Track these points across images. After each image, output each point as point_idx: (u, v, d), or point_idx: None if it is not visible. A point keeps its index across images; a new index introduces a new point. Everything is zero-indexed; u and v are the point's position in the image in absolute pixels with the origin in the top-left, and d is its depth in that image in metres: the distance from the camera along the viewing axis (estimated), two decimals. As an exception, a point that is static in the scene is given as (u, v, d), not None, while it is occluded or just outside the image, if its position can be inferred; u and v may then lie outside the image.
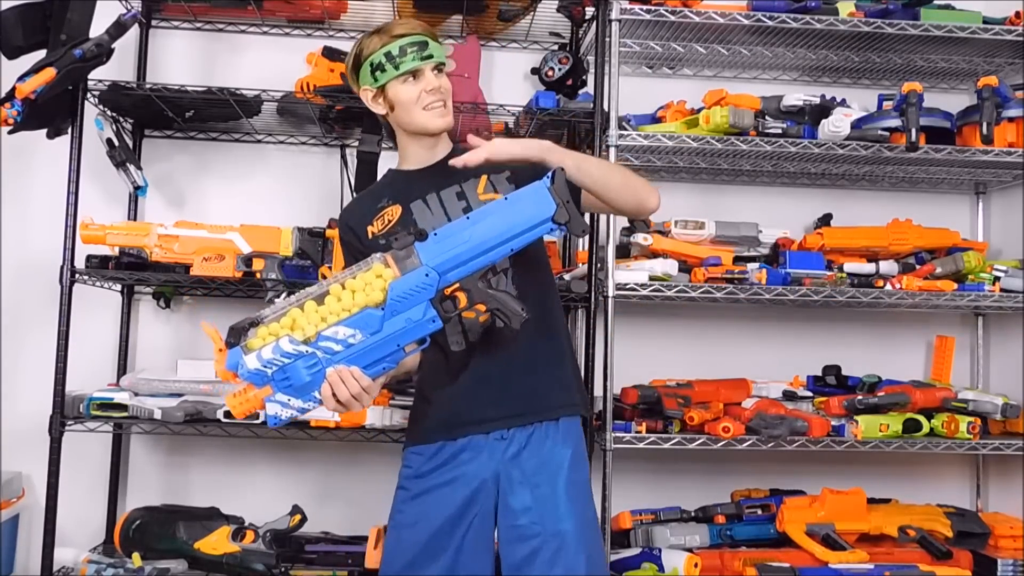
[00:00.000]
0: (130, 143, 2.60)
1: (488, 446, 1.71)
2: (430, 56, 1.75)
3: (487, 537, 1.72)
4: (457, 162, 1.64)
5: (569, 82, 2.60)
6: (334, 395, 1.51)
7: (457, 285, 1.56)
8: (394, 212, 1.78)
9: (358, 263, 1.57)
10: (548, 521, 1.67)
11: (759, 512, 2.50)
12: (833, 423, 2.40)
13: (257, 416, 2.26)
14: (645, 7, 2.40)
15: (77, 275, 2.28)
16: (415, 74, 1.75)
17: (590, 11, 2.52)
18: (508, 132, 2.60)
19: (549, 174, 1.56)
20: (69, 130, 2.30)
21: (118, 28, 2.21)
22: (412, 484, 1.75)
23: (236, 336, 1.53)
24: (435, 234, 1.55)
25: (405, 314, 1.53)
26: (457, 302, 1.57)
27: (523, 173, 1.73)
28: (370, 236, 1.79)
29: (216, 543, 2.29)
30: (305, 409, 1.54)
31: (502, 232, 1.55)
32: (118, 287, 2.65)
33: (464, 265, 1.55)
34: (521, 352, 1.71)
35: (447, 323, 1.55)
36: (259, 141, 2.78)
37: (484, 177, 1.77)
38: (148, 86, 2.47)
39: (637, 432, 2.34)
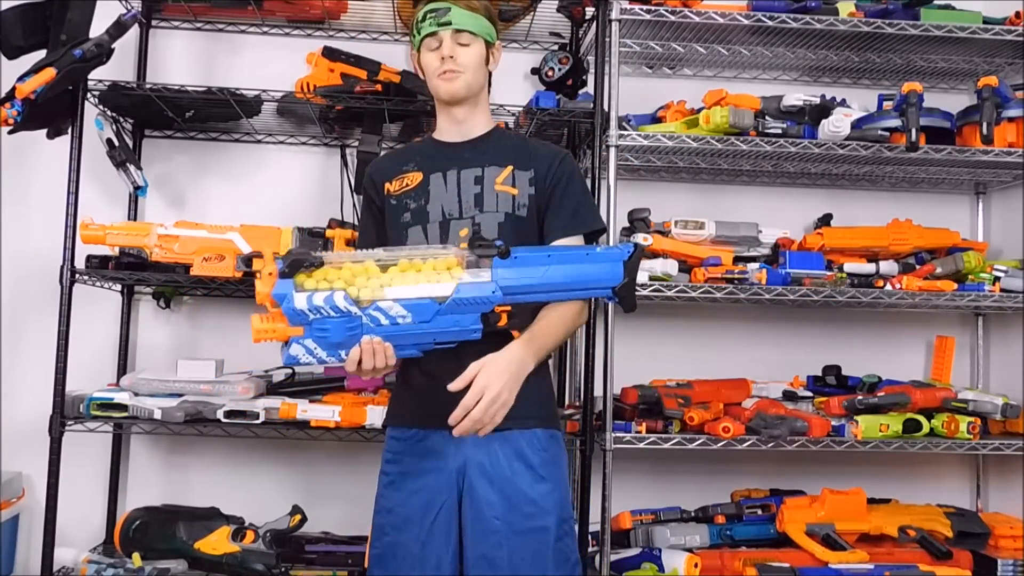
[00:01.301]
0: (130, 143, 2.60)
1: (456, 439, 1.69)
2: (448, 23, 1.74)
3: (452, 529, 1.71)
4: (457, 415, 1.57)
5: (569, 82, 2.60)
6: (360, 361, 1.53)
7: (509, 307, 1.61)
8: (414, 178, 1.80)
9: (434, 247, 1.62)
10: (513, 519, 1.66)
11: (759, 512, 2.50)
12: (833, 423, 2.40)
13: (257, 416, 2.27)
14: (645, 7, 2.40)
15: (77, 275, 2.28)
16: (436, 40, 1.76)
17: (590, 11, 2.52)
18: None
19: (631, 246, 1.62)
20: (69, 130, 2.30)
21: (118, 28, 2.21)
22: (390, 469, 1.77)
23: (293, 268, 1.52)
24: (515, 257, 1.58)
25: (458, 316, 1.56)
26: (499, 319, 1.61)
27: (542, 173, 1.76)
28: (386, 192, 1.82)
29: (216, 543, 2.29)
30: (325, 362, 1.55)
31: (570, 281, 1.60)
32: (118, 287, 2.65)
33: (525, 295, 1.59)
34: None
35: (482, 336, 1.58)
36: (259, 141, 2.78)
37: (510, 168, 1.77)
38: (148, 86, 2.47)
39: (637, 432, 2.33)
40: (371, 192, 1.86)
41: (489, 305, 1.56)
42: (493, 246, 1.57)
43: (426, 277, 1.56)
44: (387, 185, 1.82)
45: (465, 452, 1.70)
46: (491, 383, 1.54)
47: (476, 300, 1.55)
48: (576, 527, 1.80)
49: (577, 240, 1.78)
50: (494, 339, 1.63)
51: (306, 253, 1.55)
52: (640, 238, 2.47)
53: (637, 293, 2.31)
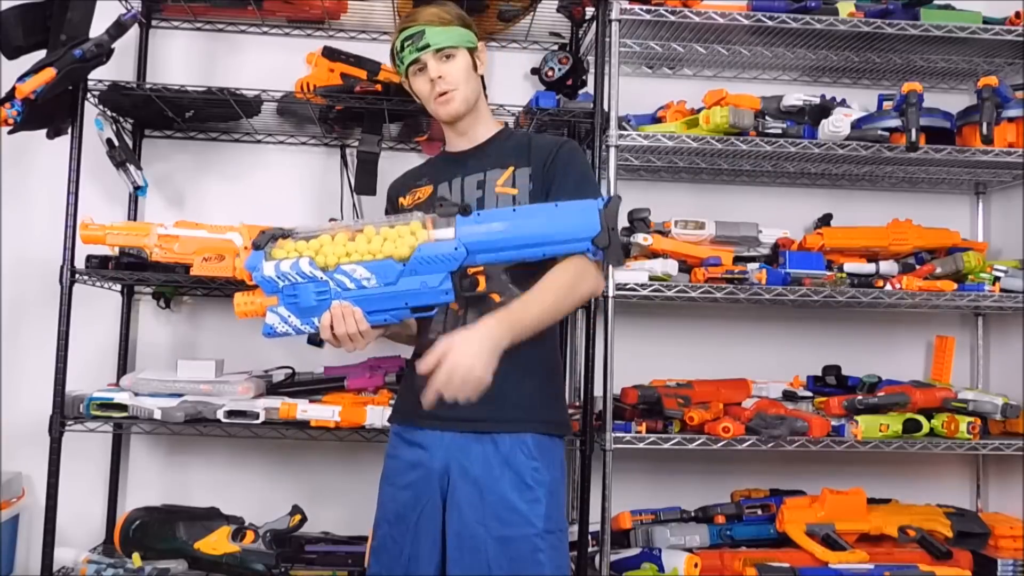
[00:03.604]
0: (130, 143, 2.60)
1: (445, 439, 1.70)
2: (426, 46, 1.75)
3: (436, 528, 1.70)
4: (429, 395, 1.53)
5: (569, 82, 2.60)
6: (332, 327, 1.57)
7: (482, 268, 1.59)
8: (425, 192, 1.83)
9: (399, 215, 1.62)
10: (494, 525, 1.65)
11: (759, 512, 2.50)
12: (833, 423, 2.40)
13: (257, 416, 2.27)
14: (645, 7, 2.40)
15: (77, 275, 2.28)
16: (421, 65, 1.77)
17: (590, 11, 2.52)
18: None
19: (604, 197, 1.57)
20: (69, 130, 2.29)
21: (118, 28, 2.21)
22: (387, 463, 1.79)
23: (264, 241, 1.60)
24: (478, 214, 1.57)
25: (423, 277, 1.56)
26: (477, 284, 1.59)
27: (539, 165, 1.76)
28: (400, 206, 1.87)
29: (216, 543, 2.29)
30: (301, 331, 1.60)
31: (540, 235, 1.56)
32: (118, 287, 2.65)
33: (494, 253, 1.56)
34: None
35: (457, 299, 1.58)
36: (259, 141, 2.78)
37: (511, 169, 1.77)
38: (148, 86, 2.47)
39: (637, 432, 2.33)
40: (388, 208, 1.92)
41: (454, 262, 1.55)
42: (455, 204, 1.57)
43: (391, 242, 1.58)
44: (401, 200, 1.87)
45: (450, 453, 1.70)
46: (458, 363, 1.48)
47: (439, 257, 1.55)
48: (567, 540, 1.76)
49: None
50: (480, 307, 1.61)
51: (278, 228, 1.61)
52: (640, 238, 2.47)
53: (637, 293, 2.34)
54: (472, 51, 1.81)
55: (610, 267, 2.30)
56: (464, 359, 1.48)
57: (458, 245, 1.55)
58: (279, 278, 1.58)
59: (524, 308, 1.59)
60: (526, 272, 1.66)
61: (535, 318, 1.61)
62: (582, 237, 1.55)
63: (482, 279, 1.59)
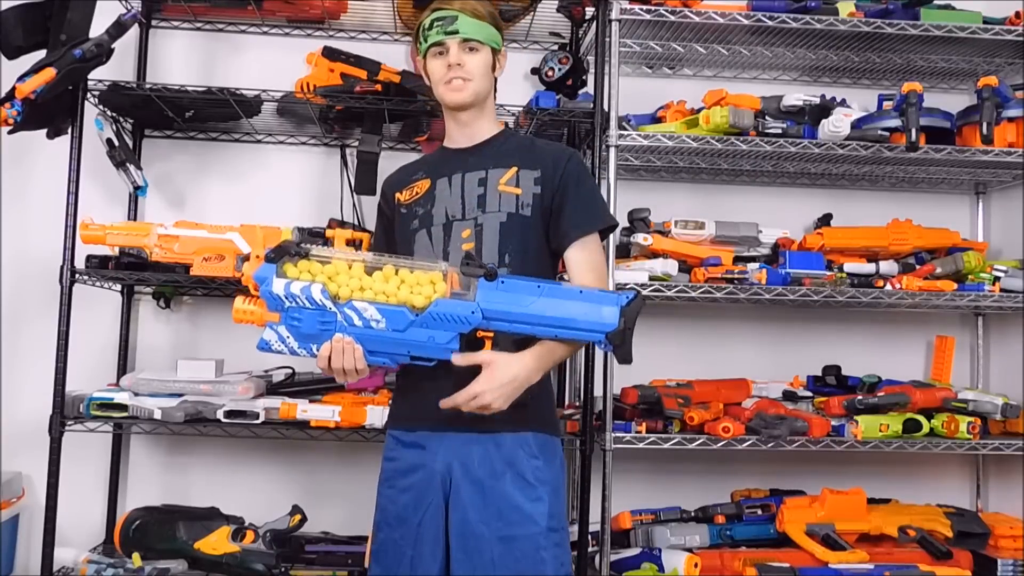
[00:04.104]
0: (130, 143, 2.60)
1: (446, 440, 1.69)
2: (455, 32, 1.74)
3: (439, 529, 1.70)
4: (446, 403, 1.60)
5: (569, 82, 2.60)
6: (329, 358, 1.57)
7: (492, 334, 1.59)
8: (423, 186, 1.82)
9: (425, 261, 1.62)
10: (497, 525, 1.65)
11: (759, 512, 2.50)
12: (833, 423, 2.40)
13: (257, 416, 2.27)
14: (645, 7, 2.40)
15: (77, 275, 2.28)
16: (443, 48, 1.76)
17: (590, 11, 2.52)
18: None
19: (630, 294, 1.60)
20: (69, 130, 2.30)
21: (118, 28, 2.21)
22: (386, 466, 1.78)
23: (278, 255, 1.56)
24: (502, 282, 1.57)
25: (433, 331, 1.56)
26: (483, 347, 1.59)
27: (549, 173, 1.76)
28: (396, 201, 1.84)
29: (216, 543, 2.29)
30: (296, 353, 1.58)
31: (559, 318, 1.58)
32: (118, 287, 2.65)
33: (509, 323, 1.58)
34: None
35: None
36: (259, 141, 2.78)
37: (514, 169, 1.77)
38: (148, 86, 2.47)
39: (637, 432, 2.34)
40: (383, 204, 1.90)
41: (467, 325, 1.56)
42: (481, 266, 1.57)
43: (407, 287, 1.57)
44: (398, 195, 1.85)
45: (452, 453, 1.69)
46: (486, 393, 1.57)
47: (454, 317, 1.55)
48: (569, 538, 1.77)
49: (592, 239, 1.75)
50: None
51: (296, 243, 1.57)
52: (640, 238, 2.47)
53: (637, 293, 2.33)
54: (495, 52, 1.81)
55: (610, 268, 2.30)
56: (490, 395, 1.57)
57: (476, 309, 1.55)
58: (287, 298, 1.55)
59: (554, 352, 1.67)
60: (533, 341, 1.67)
61: (562, 356, 1.71)
62: (598, 329, 1.60)
63: (489, 343, 1.60)
